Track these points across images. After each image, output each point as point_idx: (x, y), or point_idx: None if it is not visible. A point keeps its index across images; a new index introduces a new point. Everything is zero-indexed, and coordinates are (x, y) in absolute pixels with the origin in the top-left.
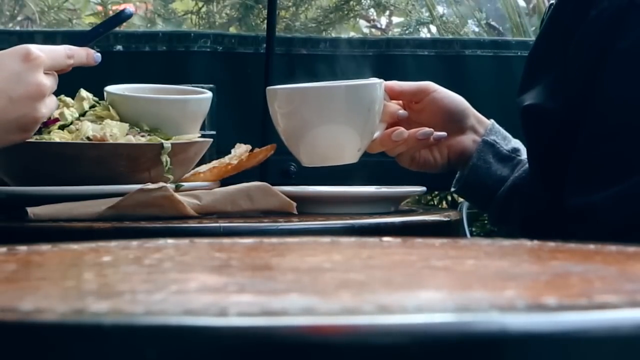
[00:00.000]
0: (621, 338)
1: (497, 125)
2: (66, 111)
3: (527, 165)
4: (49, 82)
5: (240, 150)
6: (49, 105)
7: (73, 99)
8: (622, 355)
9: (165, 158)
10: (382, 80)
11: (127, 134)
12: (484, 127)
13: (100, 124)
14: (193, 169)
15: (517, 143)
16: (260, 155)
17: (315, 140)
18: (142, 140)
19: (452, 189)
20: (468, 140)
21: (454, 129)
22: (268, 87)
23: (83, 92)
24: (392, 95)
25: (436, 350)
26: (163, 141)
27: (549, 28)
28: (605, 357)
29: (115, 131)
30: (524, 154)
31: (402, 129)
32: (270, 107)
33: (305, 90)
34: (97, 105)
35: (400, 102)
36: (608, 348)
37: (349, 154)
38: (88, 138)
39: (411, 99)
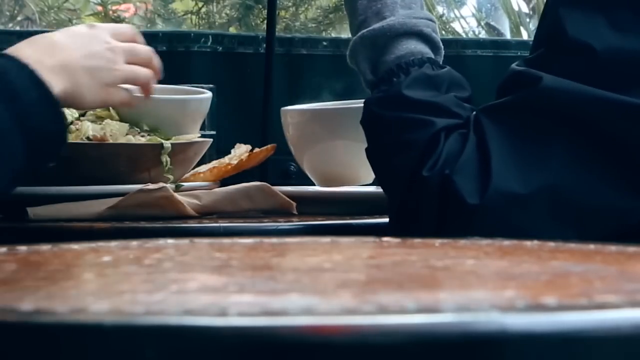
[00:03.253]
0: (621, 338)
1: None
2: (66, 111)
3: None
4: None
5: (240, 151)
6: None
7: None
8: (622, 355)
9: (165, 158)
10: None
11: (127, 134)
12: None
13: (100, 124)
14: (193, 169)
15: None
16: (260, 155)
17: (331, 160)
18: (142, 140)
19: None
20: None
21: None
22: (283, 108)
23: None
24: None
25: (436, 350)
26: (163, 141)
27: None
28: (605, 357)
29: (115, 131)
30: None
31: None
32: (285, 128)
33: (321, 111)
34: None
35: None
36: (608, 348)
37: (364, 175)
38: (88, 138)
39: None
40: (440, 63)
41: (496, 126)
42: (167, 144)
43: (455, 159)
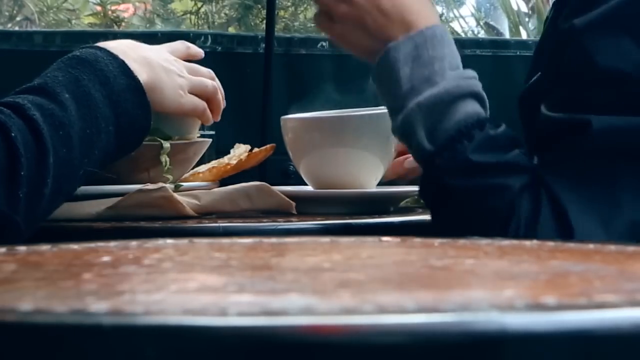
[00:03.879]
0: (621, 337)
1: None
2: None
3: None
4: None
5: (240, 151)
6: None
7: None
8: (622, 354)
9: (164, 158)
10: None
11: None
12: None
13: None
14: (192, 169)
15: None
16: (259, 156)
17: (331, 168)
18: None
19: None
20: None
21: None
22: (282, 117)
23: None
24: None
25: (436, 350)
26: (162, 141)
27: (551, 23)
28: (605, 356)
29: None
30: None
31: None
32: (285, 135)
33: (321, 119)
34: None
35: None
36: (608, 347)
37: (364, 182)
38: None
39: None
40: (493, 119)
41: (562, 181)
42: (166, 144)
43: (534, 221)
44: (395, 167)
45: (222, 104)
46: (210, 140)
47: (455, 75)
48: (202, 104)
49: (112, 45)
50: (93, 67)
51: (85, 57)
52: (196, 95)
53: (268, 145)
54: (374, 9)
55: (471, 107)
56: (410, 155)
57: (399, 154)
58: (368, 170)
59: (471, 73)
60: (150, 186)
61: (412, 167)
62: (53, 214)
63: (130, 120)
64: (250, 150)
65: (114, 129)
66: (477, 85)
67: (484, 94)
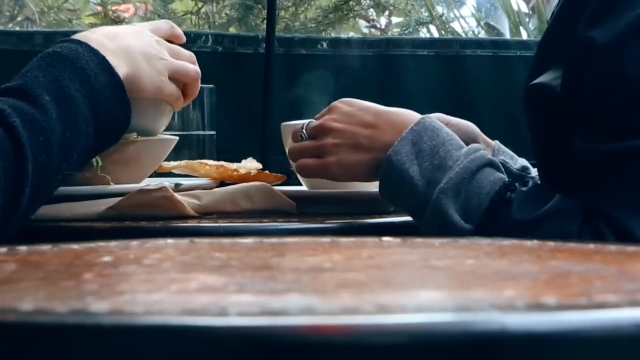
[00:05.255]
0: (621, 337)
1: (502, 146)
2: None
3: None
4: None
5: (252, 165)
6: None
7: None
8: (622, 354)
9: (95, 158)
10: None
11: None
12: (491, 149)
13: None
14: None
15: (524, 161)
16: (268, 179)
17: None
18: None
19: None
20: None
21: None
22: (283, 123)
23: None
24: None
25: (436, 350)
26: None
27: (559, 17)
28: (605, 356)
29: None
30: (533, 172)
31: None
32: (285, 141)
33: None
34: None
35: None
36: (608, 347)
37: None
38: None
39: None
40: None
41: (624, 208)
42: None
43: None
44: None
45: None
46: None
47: (464, 152)
48: (177, 90)
49: (91, 38)
50: (74, 65)
51: (66, 55)
52: (177, 79)
53: (280, 175)
54: (359, 127)
55: (493, 176)
56: None
57: None
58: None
59: (477, 146)
60: (151, 186)
61: None
62: (53, 214)
63: (110, 118)
64: (262, 170)
65: (92, 130)
66: (487, 154)
67: (496, 160)
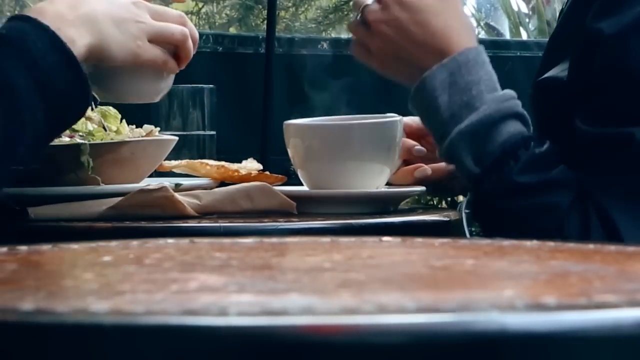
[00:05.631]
0: (621, 337)
1: None
2: None
3: None
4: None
5: (252, 165)
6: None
7: None
8: (622, 354)
9: (85, 159)
10: (401, 117)
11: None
12: None
13: None
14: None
15: None
16: (269, 179)
17: (334, 176)
18: (65, 141)
19: (465, 211)
20: None
21: None
22: (285, 122)
23: None
24: (407, 131)
25: (436, 350)
26: (80, 142)
27: (568, 14)
28: (605, 356)
29: None
30: None
31: (425, 166)
32: (287, 140)
33: (325, 126)
34: None
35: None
36: (607, 347)
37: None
38: None
39: (426, 134)
40: (537, 137)
41: (610, 194)
42: (84, 144)
43: (586, 237)
44: (404, 176)
45: (194, 49)
46: (176, 139)
47: (494, 98)
48: (162, 53)
49: (46, 10)
50: (18, 47)
51: (11, 37)
52: (161, 42)
53: (280, 176)
54: (407, 42)
55: (514, 128)
56: (419, 165)
57: (403, 162)
58: (370, 181)
59: (510, 93)
60: (151, 186)
61: (422, 177)
62: (54, 214)
63: (64, 99)
64: (262, 171)
65: (42, 115)
66: (518, 105)
67: (525, 113)
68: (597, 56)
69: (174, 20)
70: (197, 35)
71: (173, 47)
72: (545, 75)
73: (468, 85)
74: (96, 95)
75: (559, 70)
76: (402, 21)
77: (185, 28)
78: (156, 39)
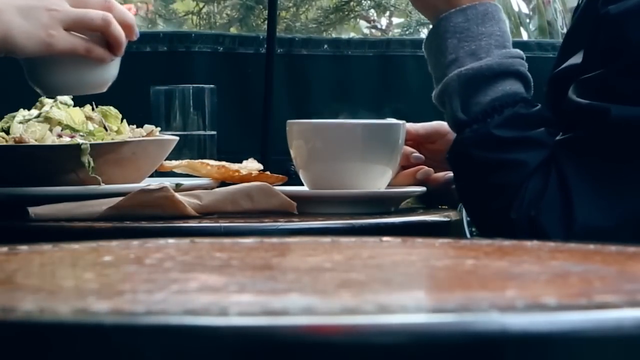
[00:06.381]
0: (621, 338)
1: None
2: (22, 112)
3: None
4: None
5: (253, 165)
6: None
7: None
8: (622, 354)
9: (86, 159)
10: (404, 121)
11: (59, 135)
12: None
13: (35, 123)
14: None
15: None
16: (269, 179)
17: (336, 176)
18: (65, 141)
19: (471, 230)
20: None
21: None
22: (289, 121)
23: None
24: (407, 138)
25: (436, 350)
26: (81, 142)
27: (584, 11)
28: (605, 356)
29: (38, 132)
30: None
31: (426, 168)
32: (289, 139)
33: (329, 126)
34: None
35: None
36: (607, 348)
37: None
38: (15, 139)
39: (425, 141)
40: (532, 100)
41: (573, 162)
42: (85, 144)
43: (539, 198)
44: (405, 178)
45: (132, 34)
46: (176, 139)
47: (501, 53)
48: (83, 42)
49: None
50: None
51: None
52: (80, 30)
53: (280, 176)
54: None
55: (511, 87)
56: (421, 167)
57: (401, 168)
58: (373, 183)
59: (517, 53)
60: (152, 186)
61: (424, 178)
62: (54, 214)
63: None
64: (263, 171)
65: None
66: (522, 65)
67: (527, 74)
68: (601, 34)
69: (96, 6)
70: (130, 19)
71: (99, 34)
72: (560, 67)
73: (479, 36)
74: (39, 91)
75: (573, 61)
76: None
77: (107, 13)
78: (74, 27)
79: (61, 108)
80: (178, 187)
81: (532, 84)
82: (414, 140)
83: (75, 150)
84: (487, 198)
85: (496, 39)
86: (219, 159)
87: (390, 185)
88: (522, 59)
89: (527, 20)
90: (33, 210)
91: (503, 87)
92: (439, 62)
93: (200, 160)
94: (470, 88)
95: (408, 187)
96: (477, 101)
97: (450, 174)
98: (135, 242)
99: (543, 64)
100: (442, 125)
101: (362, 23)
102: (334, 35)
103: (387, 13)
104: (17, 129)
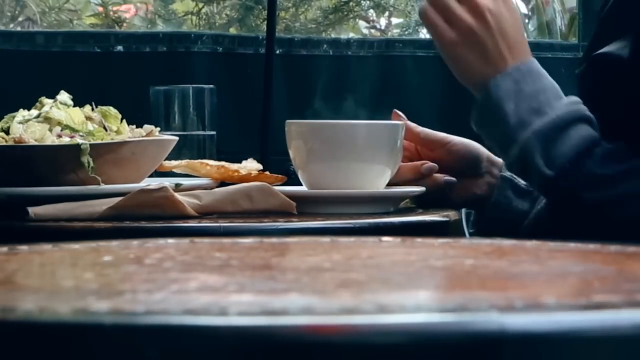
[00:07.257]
0: (620, 338)
1: None
2: (22, 112)
3: (544, 199)
4: None
5: (252, 165)
6: None
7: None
8: (621, 354)
9: (86, 159)
10: (403, 122)
11: (58, 135)
12: (498, 166)
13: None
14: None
15: None
16: (269, 179)
17: (335, 176)
18: (65, 141)
19: (470, 230)
20: (483, 183)
21: (469, 175)
22: (288, 121)
23: (61, 96)
24: (408, 134)
25: (436, 350)
26: (81, 142)
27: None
28: (604, 356)
29: (38, 132)
30: None
31: (431, 163)
32: (288, 140)
33: (328, 126)
34: (64, 107)
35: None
36: (607, 348)
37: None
38: (15, 140)
39: (425, 146)
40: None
41: None
42: (85, 144)
43: None
44: (410, 170)
45: None
46: (176, 139)
47: (563, 103)
48: None
49: None
50: None
51: None
52: None
53: (280, 176)
54: (497, 32)
55: (585, 131)
56: (425, 162)
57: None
58: (372, 183)
59: (576, 99)
60: (151, 186)
61: (428, 172)
62: (54, 214)
63: None
64: (262, 171)
65: None
66: (586, 110)
67: (593, 117)
68: None
69: None
70: None
71: None
72: (601, 50)
73: (534, 93)
74: None
75: (615, 47)
76: (503, 14)
77: None
78: None
79: (61, 108)
80: (178, 187)
81: (595, 121)
82: (414, 139)
83: (75, 150)
84: (620, 237)
85: (551, 91)
86: (219, 159)
87: (393, 178)
88: (582, 103)
89: (526, 20)
90: (33, 210)
91: (579, 134)
92: (501, 130)
93: (199, 161)
94: (548, 144)
95: (407, 187)
96: (560, 153)
97: (449, 177)
98: (135, 242)
99: (542, 64)
100: (444, 137)
101: (362, 23)
102: (333, 36)
103: (386, 13)
104: (16, 129)
